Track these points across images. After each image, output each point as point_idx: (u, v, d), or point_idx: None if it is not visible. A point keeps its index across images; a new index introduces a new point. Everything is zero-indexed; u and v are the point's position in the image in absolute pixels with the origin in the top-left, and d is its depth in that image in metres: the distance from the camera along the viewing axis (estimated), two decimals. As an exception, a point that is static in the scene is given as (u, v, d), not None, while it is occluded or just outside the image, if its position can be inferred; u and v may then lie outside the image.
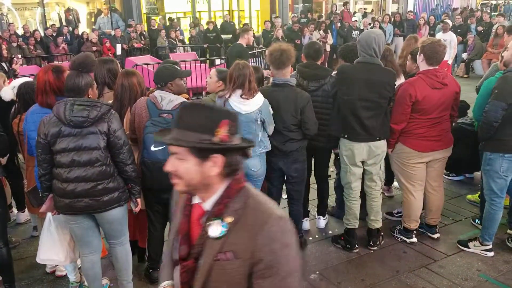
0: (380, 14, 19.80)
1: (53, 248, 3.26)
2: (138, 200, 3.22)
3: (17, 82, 3.97)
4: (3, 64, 7.41)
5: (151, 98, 3.33)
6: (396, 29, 14.61)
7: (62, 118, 2.83)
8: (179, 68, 3.64)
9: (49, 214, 3.21)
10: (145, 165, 3.19)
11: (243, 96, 3.52)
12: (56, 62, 10.62)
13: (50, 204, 3.04)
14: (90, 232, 3.12)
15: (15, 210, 4.93)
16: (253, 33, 14.99)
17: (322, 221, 4.61)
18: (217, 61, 11.85)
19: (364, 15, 17.41)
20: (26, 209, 4.66)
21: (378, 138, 3.83)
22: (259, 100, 3.58)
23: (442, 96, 3.77)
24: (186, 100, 3.38)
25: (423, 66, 3.83)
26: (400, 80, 4.16)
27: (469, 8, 19.82)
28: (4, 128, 3.47)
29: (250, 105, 3.53)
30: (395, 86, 3.88)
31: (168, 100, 3.29)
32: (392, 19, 15.31)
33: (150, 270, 3.72)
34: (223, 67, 5.89)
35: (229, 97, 3.54)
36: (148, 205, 3.57)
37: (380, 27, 13.92)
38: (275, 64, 3.71)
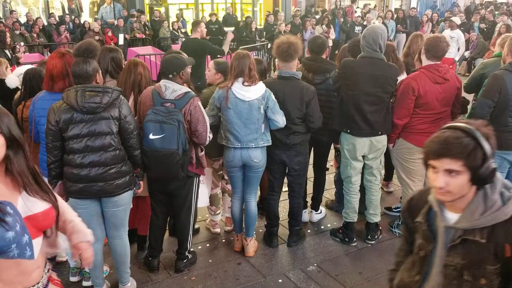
0: (383, 10, 19.76)
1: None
2: (141, 182, 3.29)
3: (22, 69, 3.98)
4: (6, 51, 7.43)
5: (156, 87, 3.36)
6: (398, 25, 14.60)
7: (74, 105, 2.86)
8: (184, 56, 3.68)
9: None
10: (144, 152, 3.22)
11: (245, 84, 3.55)
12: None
13: (58, 191, 3.06)
14: (95, 219, 3.15)
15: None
16: (256, 26, 15.05)
17: (314, 215, 4.62)
18: (219, 54, 11.81)
19: (368, 11, 17.37)
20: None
21: (380, 132, 3.86)
22: (261, 87, 3.61)
23: (444, 91, 3.80)
24: (190, 90, 3.41)
25: (424, 60, 3.85)
26: (403, 76, 4.18)
27: (473, 6, 19.77)
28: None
29: (253, 92, 3.56)
30: (397, 82, 3.91)
31: (172, 90, 3.31)
32: (395, 15, 15.29)
33: (150, 258, 3.75)
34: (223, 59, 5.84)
35: (231, 85, 3.57)
36: (151, 195, 3.61)
37: (383, 23, 13.91)
38: (282, 57, 3.72)
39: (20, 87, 3.92)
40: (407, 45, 4.95)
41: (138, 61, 3.69)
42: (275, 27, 13.87)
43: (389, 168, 4.97)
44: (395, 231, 4.33)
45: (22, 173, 1.78)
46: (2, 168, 1.76)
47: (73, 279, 3.62)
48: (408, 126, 3.89)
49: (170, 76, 3.36)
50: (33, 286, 1.87)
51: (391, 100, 3.95)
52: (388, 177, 5.28)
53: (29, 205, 1.81)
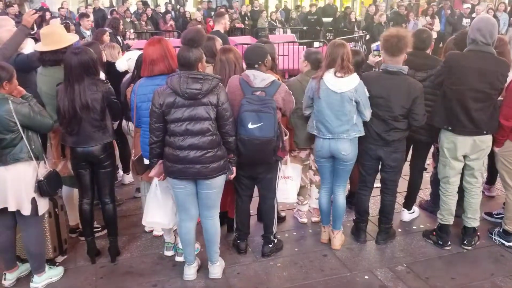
0: (495, 3, 18.22)
1: (159, 211, 3.49)
2: (234, 168, 3.39)
3: (132, 54, 4.27)
4: (118, 37, 8.02)
5: (243, 76, 3.43)
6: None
7: (178, 90, 3.03)
8: (266, 43, 3.74)
9: (155, 179, 3.42)
10: (241, 141, 3.30)
11: (337, 74, 3.49)
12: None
13: (158, 170, 3.26)
14: (190, 199, 3.32)
15: (121, 172, 5.37)
16: (355, 18, 14.66)
17: (406, 215, 4.45)
18: (315, 44, 11.71)
19: (477, 2, 16.13)
20: (130, 172, 5.05)
21: (485, 132, 3.61)
22: (355, 79, 3.53)
23: None
24: (276, 79, 3.45)
25: None
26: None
27: None
28: (116, 95, 3.76)
29: (345, 83, 3.49)
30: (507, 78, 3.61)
31: (261, 78, 3.38)
32: (508, 8, 14.03)
33: (238, 241, 3.88)
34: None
35: (323, 75, 3.53)
36: (237, 179, 3.69)
37: (494, 16, 12.83)
38: (390, 51, 3.56)
39: (128, 71, 4.22)
40: None
41: (232, 49, 3.79)
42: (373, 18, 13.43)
43: (493, 171, 4.62)
44: (495, 239, 4.04)
45: None
46: None
47: (167, 253, 3.86)
48: (518, 127, 3.59)
49: (256, 66, 3.44)
50: None
51: (499, 98, 3.67)
52: (490, 181, 4.92)
53: None
